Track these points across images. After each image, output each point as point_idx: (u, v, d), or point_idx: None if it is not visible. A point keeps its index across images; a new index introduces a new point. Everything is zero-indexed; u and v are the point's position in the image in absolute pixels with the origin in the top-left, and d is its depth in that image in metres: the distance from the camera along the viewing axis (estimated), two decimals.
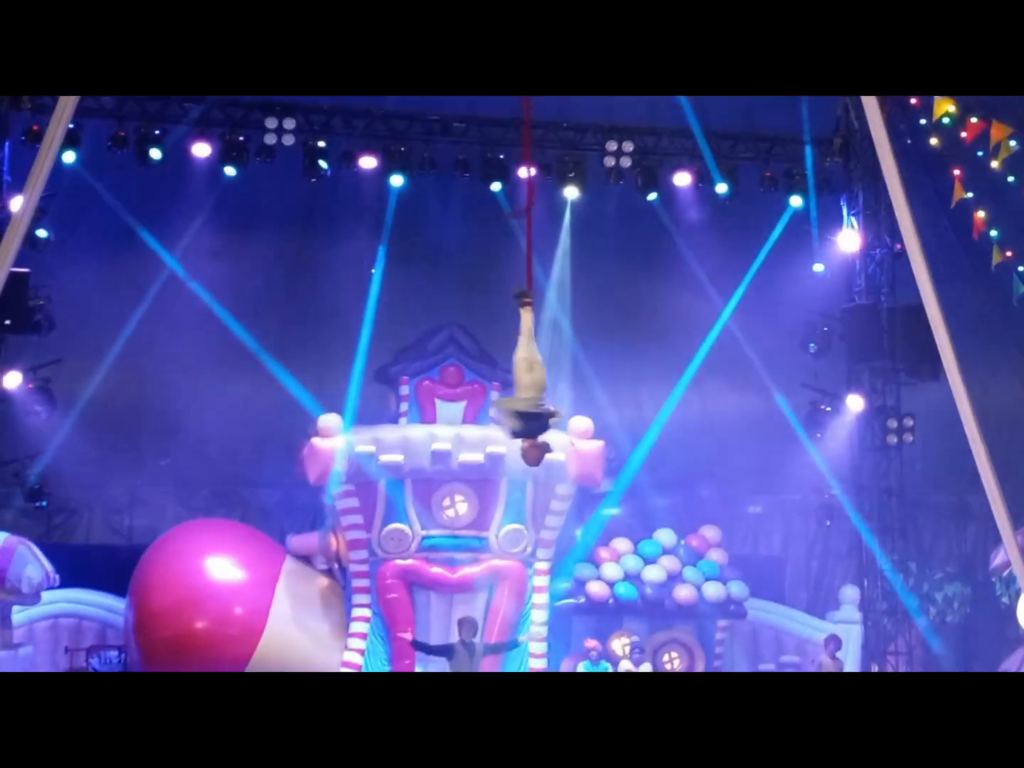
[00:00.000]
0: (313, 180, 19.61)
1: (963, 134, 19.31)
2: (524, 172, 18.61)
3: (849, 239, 18.99)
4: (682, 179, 19.78)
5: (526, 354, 11.90)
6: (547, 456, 19.01)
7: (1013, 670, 21.28)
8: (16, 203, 16.26)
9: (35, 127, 17.92)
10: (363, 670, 18.73)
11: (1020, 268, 20.90)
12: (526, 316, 11.97)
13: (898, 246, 17.82)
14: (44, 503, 19.86)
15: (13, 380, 18.37)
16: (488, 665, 18.22)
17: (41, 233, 18.29)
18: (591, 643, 19.09)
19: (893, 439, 18.16)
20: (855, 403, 18.55)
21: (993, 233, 20.64)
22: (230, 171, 19.37)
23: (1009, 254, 20.75)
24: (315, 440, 18.83)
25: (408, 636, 17.58)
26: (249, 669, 18.47)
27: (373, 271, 19.79)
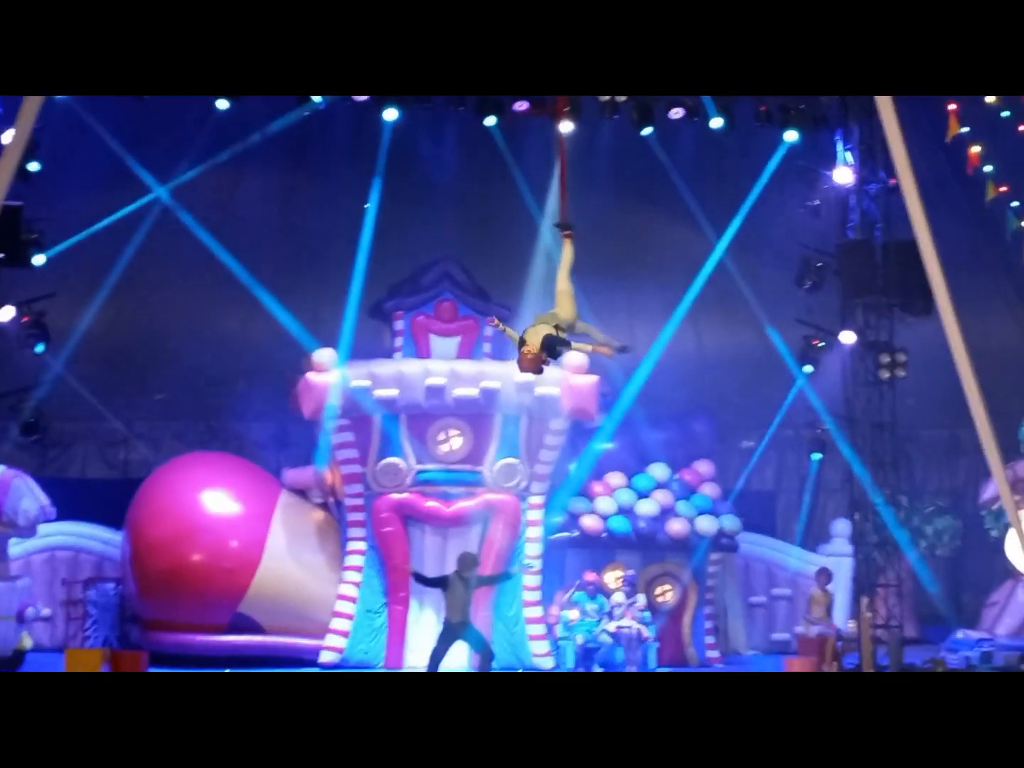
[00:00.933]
0: (306, 113, 19.47)
1: None
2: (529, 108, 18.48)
3: (844, 174, 18.95)
4: (677, 114, 19.69)
5: (567, 287, 12.12)
6: (541, 390, 19.19)
7: (1001, 602, 21.51)
8: (7, 136, 16.20)
9: None
10: (358, 602, 18.91)
11: (1013, 204, 20.88)
12: (567, 248, 12.16)
13: (892, 181, 17.77)
14: (39, 437, 19.93)
15: (6, 314, 18.38)
16: (481, 597, 18.42)
17: (33, 166, 18.19)
18: (591, 576, 19.24)
19: (886, 374, 18.20)
20: (848, 338, 18.59)
21: (987, 168, 20.60)
22: (223, 104, 19.23)
23: (1003, 189, 20.72)
24: (310, 375, 18.87)
25: (408, 568, 17.72)
26: (245, 601, 18.65)
27: (367, 205, 19.73)
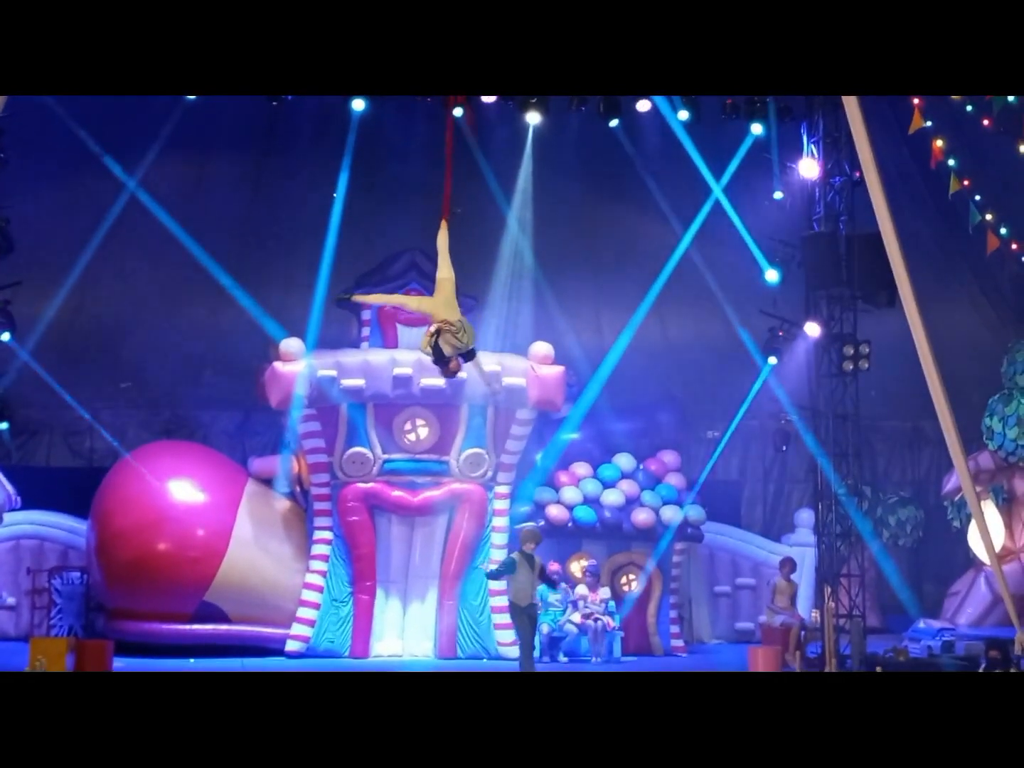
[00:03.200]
0: (274, 103, 19.40)
1: None
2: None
3: (809, 167, 19.04)
4: (644, 105, 19.75)
5: (450, 274, 12.33)
6: (508, 380, 19.26)
7: (962, 592, 21.73)
8: None
9: None
10: (324, 591, 18.95)
11: (976, 197, 21.05)
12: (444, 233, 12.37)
13: (857, 174, 17.87)
14: (5, 425, 19.86)
15: None
16: (447, 587, 18.50)
17: None
18: (554, 566, 19.33)
19: (849, 366, 18.29)
20: (812, 330, 18.70)
21: (951, 162, 20.77)
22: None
23: (966, 183, 20.89)
24: (277, 364, 18.88)
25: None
26: (211, 590, 18.64)
27: (335, 195, 19.73)
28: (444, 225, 12.78)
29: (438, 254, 12.89)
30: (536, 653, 18.99)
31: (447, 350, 12.36)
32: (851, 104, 8.25)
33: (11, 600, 19.76)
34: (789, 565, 20.14)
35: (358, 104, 19.34)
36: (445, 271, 12.67)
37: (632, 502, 20.16)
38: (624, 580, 20.04)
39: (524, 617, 14.69)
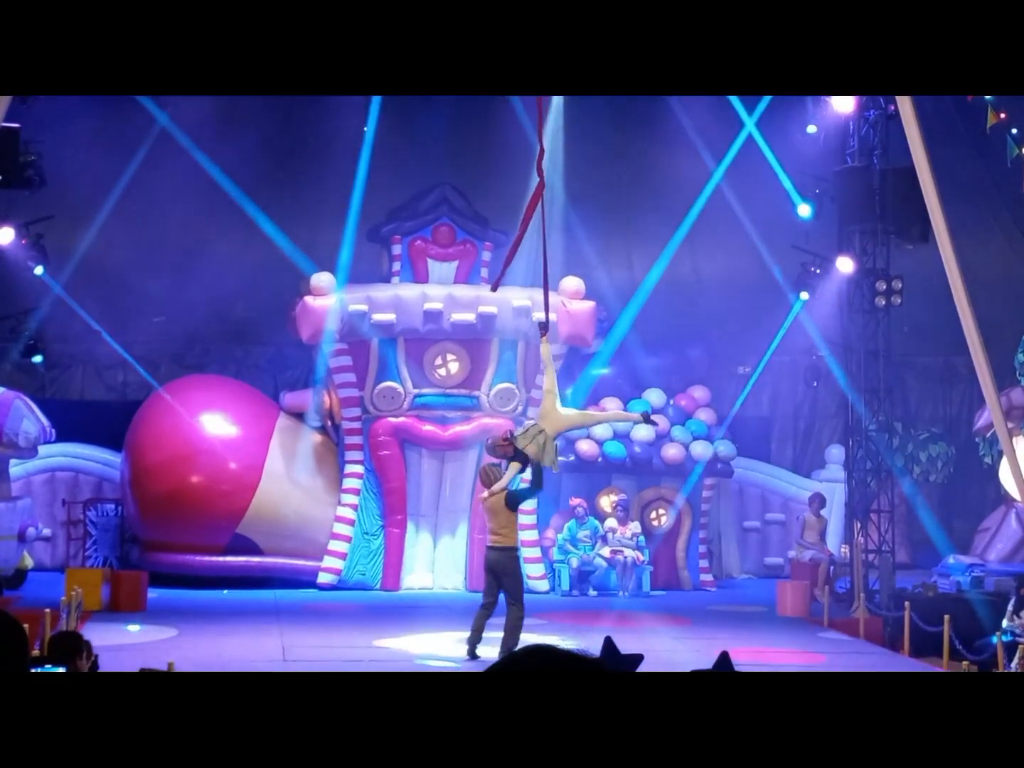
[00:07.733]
0: None
1: None
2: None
3: (843, 100, 18.88)
4: None
5: (551, 387, 13.31)
6: (538, 315, 19.25)
7: (993, 528, 21.72)
8: None
9: None
10: (356, 525, 19.10)
11: (1013, 131, 20.79)
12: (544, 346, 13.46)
13: (892, 107, 17.71)
14: (40, 358, 20.01)
15: (6, 236, 18.31)
16: (477, 519, 18.61)
17: None
18: (576, 501, 19.42)
19: (881, 301, 18.20)
20: (845, 265, 18.61)
21: (987, 96, 20.49)
22: None
23: (1003, 116, 20.62)
24: (308, 299, 18.93)
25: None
26: (243, 523, 18.83)
27: (366, 129, 19.69)
28: (544, 340, 13.57)
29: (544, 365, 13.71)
30: (565, 587, 19.19)
31: (528, 449, 12.85)
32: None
33: (47, 531, 19.99)
34: (819, 500, 20.17)
35: None
36: (548, 383, 13.50)
37: (662, 437, 20.18)
38: (654, 515, 20.11)
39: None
